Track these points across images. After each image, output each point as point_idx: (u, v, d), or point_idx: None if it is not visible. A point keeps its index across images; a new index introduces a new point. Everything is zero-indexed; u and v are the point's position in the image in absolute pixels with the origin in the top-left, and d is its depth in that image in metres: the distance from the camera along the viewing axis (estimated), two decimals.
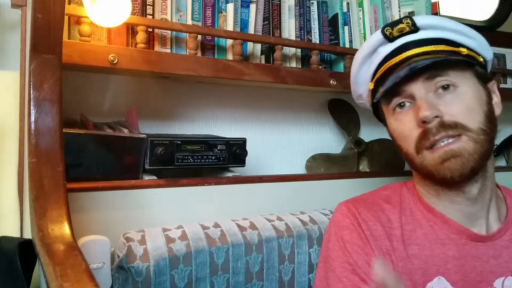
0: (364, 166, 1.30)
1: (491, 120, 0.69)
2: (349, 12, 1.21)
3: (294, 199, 1.07)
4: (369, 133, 1.40)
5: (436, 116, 0.66)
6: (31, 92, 0.69)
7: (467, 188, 0.70)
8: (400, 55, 0.71)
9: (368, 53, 0.76)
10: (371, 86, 0.78)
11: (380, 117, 0.83)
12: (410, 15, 0.70)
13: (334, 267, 0.72)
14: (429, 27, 0.71)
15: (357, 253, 0.71)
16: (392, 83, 0.69)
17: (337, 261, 0.72)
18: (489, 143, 0.68)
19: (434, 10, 1.33)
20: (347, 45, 1.21)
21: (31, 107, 0.69)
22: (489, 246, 0.71)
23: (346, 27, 1.21)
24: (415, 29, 0.71)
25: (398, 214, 0.75)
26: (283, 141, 1.30)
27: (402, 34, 0.72)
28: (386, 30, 0.72)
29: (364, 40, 1.23)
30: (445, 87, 0.68)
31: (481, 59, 0.74)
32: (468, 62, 0.70)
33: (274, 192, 1.05)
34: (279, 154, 1.29)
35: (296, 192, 1.09)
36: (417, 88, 0.69)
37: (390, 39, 0.72)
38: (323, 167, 1.27)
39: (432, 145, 0.67)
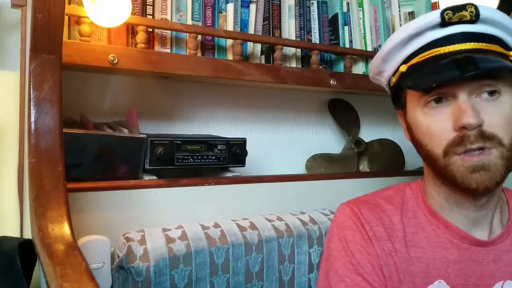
0: (364, 166, 1.30)
1: None
2: (349, 12, 1.22)
3: (294, 199, 1.07)
4: (369, 133, 1.40)
5: (479, 125, 0.63)
6: (31, 92, 0.69)
7: (479, 196, 0.69)
8: (450, 47, 0.65)
9: (414, 34, 0.69)
10: (403, 68, 0.71)
11: (395, 100, 0.78)
12: (473, 4, 0.66)
13: (337, 267, 0.72)
14: (491, 22, 0.65)
15: (360, 253, 0.71)
16: (443, 79, 0.64)
17: (340, 261, 0.72)
18: None
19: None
20: (347, 45, 1.21)
21: (31, 107, 0.69)
22: (490, 251, 0.70)
23: (346, 27, 1.21)
24: (475, 19, 0.65)
25: (400, 216, 0.75)
26: (283, 141, 1.30)
27: (459, 21, 0.65)
28: (447, 14, 0.65)
29: (364, 40, 1.23)
30: (491, 93, 0.65)
31: None
32: None
33: (274, 192, 1.05)
34: (279, 154, 1.29)
35: (296, 192, 1.08)
36: (463, 88, 0.64)
37: (444, 24, 0.66)
38: (323, 167, 1.27)
39: (465, 152, 0.64)
